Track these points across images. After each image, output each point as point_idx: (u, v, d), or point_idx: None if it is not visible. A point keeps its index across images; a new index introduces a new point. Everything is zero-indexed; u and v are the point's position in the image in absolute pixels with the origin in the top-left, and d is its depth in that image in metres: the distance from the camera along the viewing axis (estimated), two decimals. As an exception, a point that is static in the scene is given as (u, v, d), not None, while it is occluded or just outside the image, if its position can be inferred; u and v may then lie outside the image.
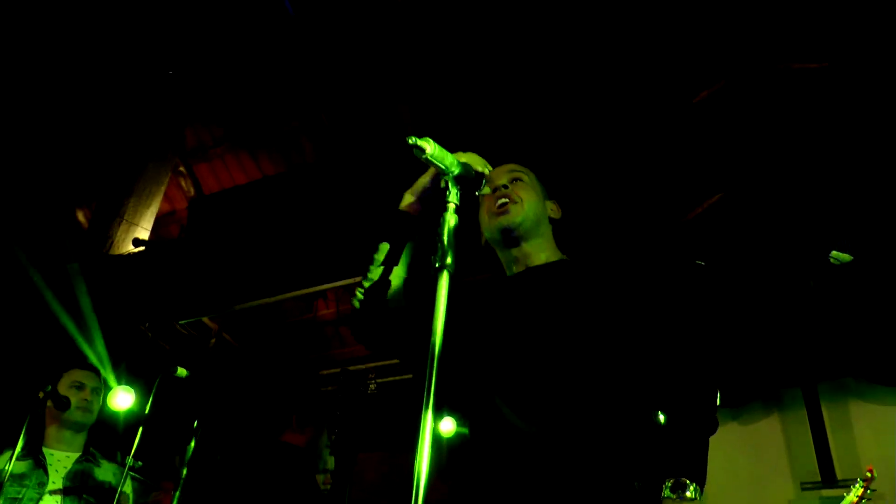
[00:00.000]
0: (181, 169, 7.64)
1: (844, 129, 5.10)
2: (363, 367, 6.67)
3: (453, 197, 1.64)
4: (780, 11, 4.89)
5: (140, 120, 6.66)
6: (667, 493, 1.58)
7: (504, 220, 2.02)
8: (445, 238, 1.56)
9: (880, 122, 4.98)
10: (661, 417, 1.74)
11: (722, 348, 5.69)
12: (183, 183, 7.74)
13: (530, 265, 2.05)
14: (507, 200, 2.03)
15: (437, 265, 1.53)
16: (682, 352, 1.79)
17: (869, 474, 4.65)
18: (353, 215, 5.18)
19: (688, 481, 1.58)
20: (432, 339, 1.42)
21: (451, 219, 1.59)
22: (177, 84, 6.66)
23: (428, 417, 1.32)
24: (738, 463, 6.16)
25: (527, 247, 2.06)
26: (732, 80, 5.22)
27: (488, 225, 2.07)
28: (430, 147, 1.58)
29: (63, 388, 3.42)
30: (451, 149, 2.10)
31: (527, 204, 2.06)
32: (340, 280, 5.11)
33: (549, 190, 2.28)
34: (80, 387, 3.48)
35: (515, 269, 2.08)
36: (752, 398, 6.14)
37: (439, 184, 1.65)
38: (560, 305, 1.85)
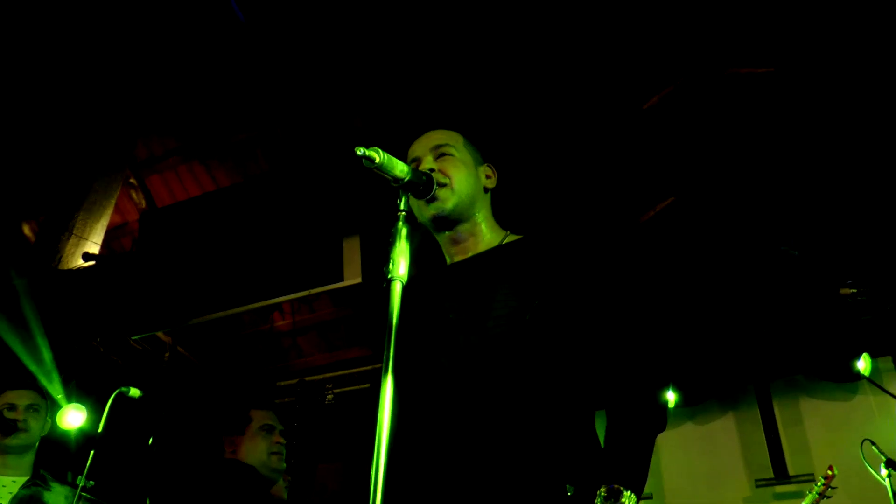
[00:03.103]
0: (132, 181, 7.51)
1: (791, 133, 5.22)
2: (320, 377, 6.64)
3: (404, 205, 1.63)
4: (726, 18, 4.99)
5: (89, 131, 6.54)
6: (599, 500, 1.49)
7: (434, 209, 1.89)
8: (397, 248, 1.55)
9: (824, 125, 5.10)
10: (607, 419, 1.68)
11: (670, 346, 5.78)
12: (134, 195, 7.62)
13: (470, 254, 1.95)
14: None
15: (389, 276, 1.52)
16: (628, 349, 1.71)
17: (830, 472, 4.71)
18: (309, 226, 5.15)
19: (622, 489, 1.50)
20: (385, 352, 1.42)
21: (402, 228, 1.58)
22: (127, 95, 6.57)
23: (383, 435, 1.32)
24: (694, 462, 6.26)
25: (462, 229, 1.95)
26: (681, 85, 5.31)
27: (418, 211, 1.93)
28: (378, 156, 1.56)
29: None
30: (405, 153, 2.08)
31: (457, 184, 1.91)
32: (297, 292, 5.08)
33: (483, 151, 2.12)
34: (11, 408, 3.32)
35: (455, 257, 1.98)
36: (706, 397, 6.24)
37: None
38: (500, 303, 1.76)
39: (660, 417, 1.66)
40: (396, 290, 1.52)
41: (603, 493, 1.50)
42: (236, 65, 6.28)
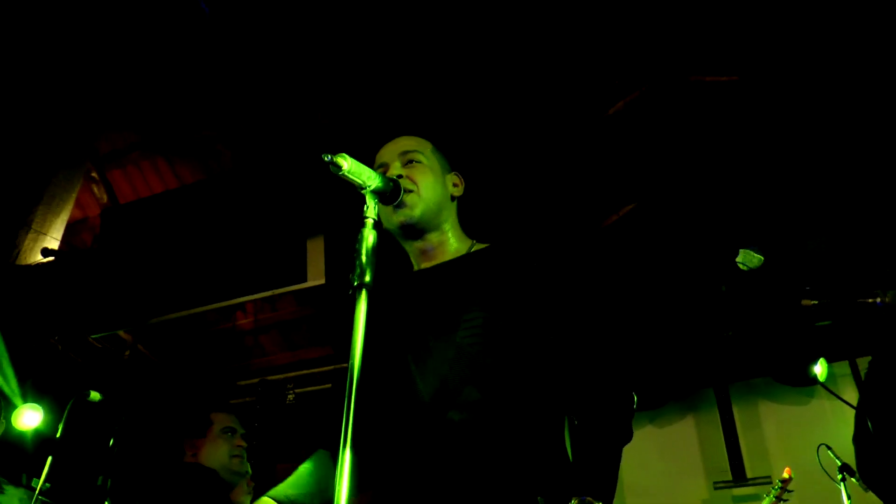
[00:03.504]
0: (94, 175, 7.39)
1: (753, 140, 5.31)
2: (281, 377, 6.60)
3: (371, 212, 1.60)
4: (692, 26, 5.04)
5: (50, 123, 6.41)
6: None
7: (401, 216, 1.88)
8: (364, 255, 1.52)
9: (787, 134, 5.19)
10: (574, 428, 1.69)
11: (638, 354, 5.84)
12: (95, 189, 7.49)
13: (437, 261, 1.95)
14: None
15: (355, 283, 1.50)
16: (597, 359, 1.73)
17: (787, 475, 4.79)
18: (273, 226, 5.12)
19: (593, 501, 1.50)
20: (350, 362, 1.41)
21: (369, 235, 1.56)
22: (90, 87, 6.46)
23: (346, 454, 1.32)
24: (653, 464, 6.33)
25: (431, 237, 1.95)
26: (647, 91, 5.36)
27: (385, 218, 1.91)
28: (346, 163, 1.55)
29: None
30: (369, 152, 2.07)
31: (424, 191, 1.91)
32: (260, 292, 5.05)
33: (451, 160, 2.11)
34: None
35: (422, 264, 1.98)
36: (667, 400, 6.32)
37: None
38: (470, 315, 1.77)
39: (626, 429, 1.68)
40: (363, 297, 1.49)
41: None
42: (201, 59, 6.22)
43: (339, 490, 1.28)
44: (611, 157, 5.57)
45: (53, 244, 5.91)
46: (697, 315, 5.79)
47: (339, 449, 1.32)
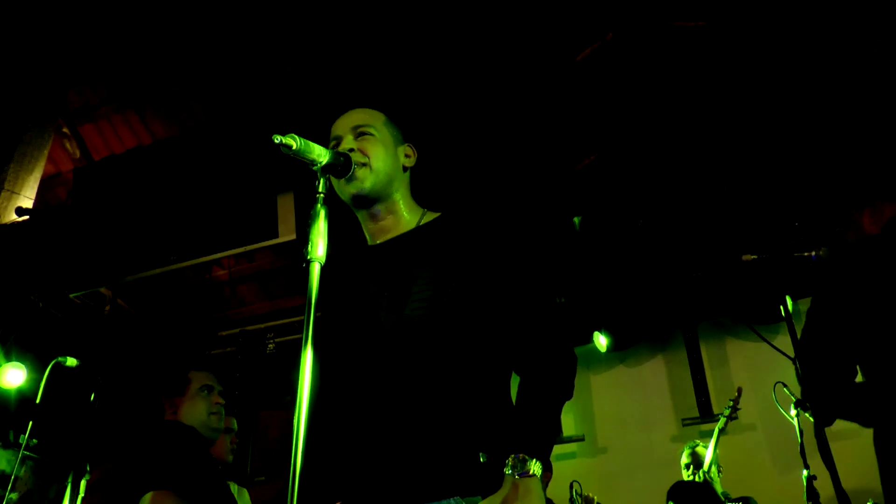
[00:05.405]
0: (65, 130, 7.34)
1: (720, 86, 5.36)
2: (262, 326, 6.71)
3: (322, 187, 1.69)
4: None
5: (18, 79, 6.35)
6: (508, 469, 1.60)
7: (353, 188, 1.93)
8: (315, 229, 1.62)
9: (753, 81, 5.24)
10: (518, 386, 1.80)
11: (608, 297, 5.97)
12: (67, 144, 7.44)
13: (390, 235, 2.01)
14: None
15: (307, 257, 1.59)
16: (540, 319, 1.83)
17: (736, 393, 5.35)
18: (244, 182, 5.16)
19: (528, 457, 1.60)
20: (304, 334, 1.50)
21: (320, 210, 1.65)
22: (57, 40, 6.37)
23: (301, 421, 1.42)
24: (625, 403, 6.53)
25: (381, 207, 2.00)
26: (614, 37, 5.39)
27: (339, 189, 1.97)
28: (295, 143, 1.62)
29: None
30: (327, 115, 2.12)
31: (375, 162, 1.95)
32: (233, 248, 5.11)
33: (405, 131, 2.15)
34: None
35: (376, 239, 2.04)
36: (637, 341, 6.49)
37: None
38: (419, 287, 1.86)
39: (566, 388, 1.78)
40: (315, 271, 1.58)
41: (511, 462, 1.61)
42: (173, 11, 6.16)
43: (294, 453, 1.39)
44: (579, 104, 5.62)
45: (27, 203, 5.93)
46: (665, 257, 5.91)
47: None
